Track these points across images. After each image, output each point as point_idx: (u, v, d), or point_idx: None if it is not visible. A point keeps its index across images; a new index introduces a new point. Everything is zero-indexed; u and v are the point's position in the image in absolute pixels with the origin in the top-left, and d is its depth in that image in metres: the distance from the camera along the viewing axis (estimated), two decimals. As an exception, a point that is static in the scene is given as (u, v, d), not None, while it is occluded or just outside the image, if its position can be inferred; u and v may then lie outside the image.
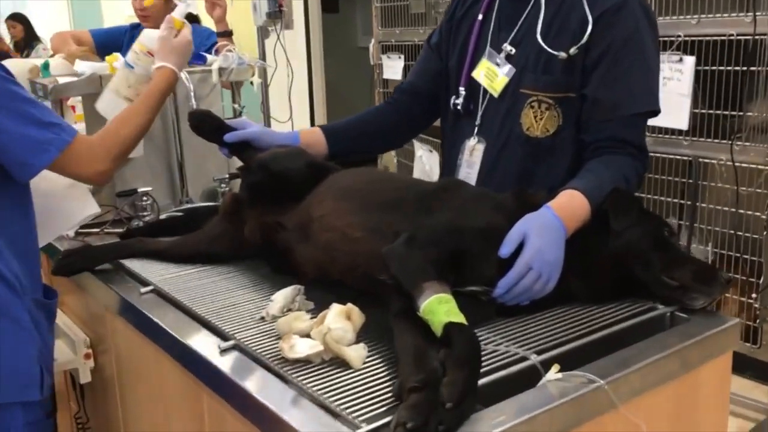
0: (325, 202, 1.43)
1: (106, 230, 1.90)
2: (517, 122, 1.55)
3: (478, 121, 1.63)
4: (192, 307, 1.36)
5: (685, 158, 3.07)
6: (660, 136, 3.14)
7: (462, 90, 1.64)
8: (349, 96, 5.90)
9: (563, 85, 1.49)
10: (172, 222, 1.90)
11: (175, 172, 2.09)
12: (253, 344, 1.19)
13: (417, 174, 3.92)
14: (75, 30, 3.09)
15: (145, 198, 1.98)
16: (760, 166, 2.83)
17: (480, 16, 1.62)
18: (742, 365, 3.10)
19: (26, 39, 7.32)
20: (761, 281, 2.90)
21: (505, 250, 1.23)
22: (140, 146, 1.92)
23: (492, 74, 1.58)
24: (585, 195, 1.32)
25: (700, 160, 3.03)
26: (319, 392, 1.04)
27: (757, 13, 2.75)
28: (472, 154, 1.64)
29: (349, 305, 1.19)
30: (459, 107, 1.64)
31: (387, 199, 1.38)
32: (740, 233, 2.97)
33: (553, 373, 1.06)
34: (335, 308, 1.18)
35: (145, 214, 1.97)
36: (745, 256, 2.98)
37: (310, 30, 6.34)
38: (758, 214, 2.88)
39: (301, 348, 1.11)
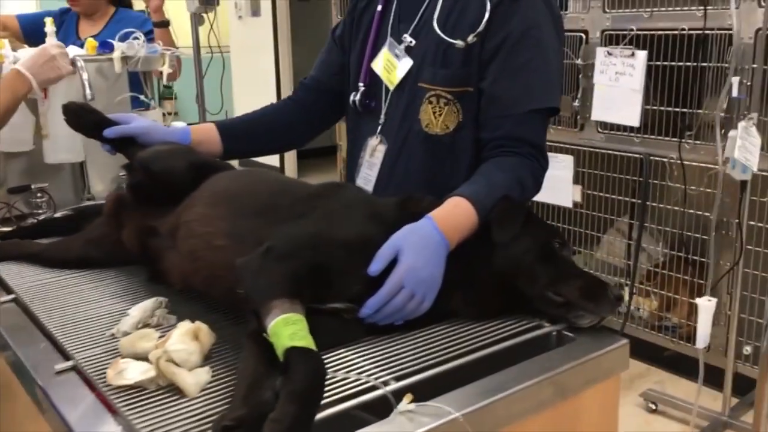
0: (197, 206, 1.31)
1: (-6, 230, 1.77)
2: (416, 118, 1.44)
3: (381, 120, 1.52)
4: (43, 320, 1.24)
5: (637, 156, 2.98)
6: (611, 132, 3.05)
7: (361, 85, 1.53)
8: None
9: (461, 79, 1.39)
10: (65, 222, 1.77)
11: (76, 167, 1.96)
12: (93, 366, 1.08)
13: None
14: (2, 15, 2.93)
15: (39, 195, 1.86)
16: (710, 165, 2.75)
17: (380, 7, 1.51)
18: (691, 369, 3.03)
19: (-18, 21, 7.08)
20: (708, 283, 2.82)
21: (375, 267, 1.11)
22: (80, 150, 1.83)
23: (390, 66, 1.47)
24: (472, 202, 1.22)
25: (652, 158, 2.94)
26: (145, 427, 0.93)
27: (708, 7, 2.66)
28: (373, 155, 1.53)
29: (198, 323, 1.08)
30: (357, 104, 1.53)
31: (261, 204, 1.26)
32: (689, 233, 2.89)
33: (405, 404, 0.95)
34: (182, 327, 1.07)
35: (40, 212, 1.85)
36: (694, 257, 2.90)
37: (277, 17, 6.19)
38: (707, 214, 2.80)
39: (132, 374, 0.99)
